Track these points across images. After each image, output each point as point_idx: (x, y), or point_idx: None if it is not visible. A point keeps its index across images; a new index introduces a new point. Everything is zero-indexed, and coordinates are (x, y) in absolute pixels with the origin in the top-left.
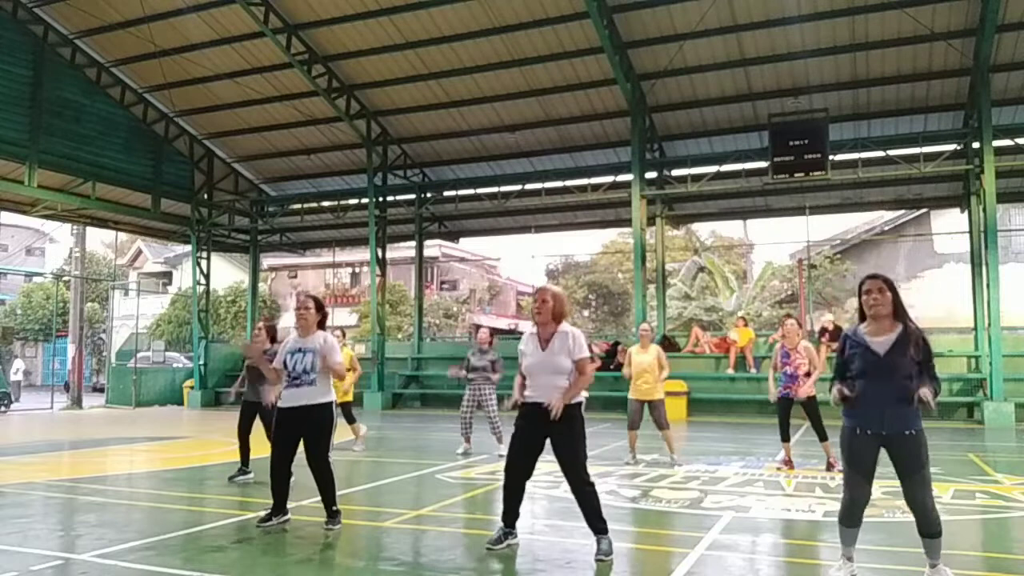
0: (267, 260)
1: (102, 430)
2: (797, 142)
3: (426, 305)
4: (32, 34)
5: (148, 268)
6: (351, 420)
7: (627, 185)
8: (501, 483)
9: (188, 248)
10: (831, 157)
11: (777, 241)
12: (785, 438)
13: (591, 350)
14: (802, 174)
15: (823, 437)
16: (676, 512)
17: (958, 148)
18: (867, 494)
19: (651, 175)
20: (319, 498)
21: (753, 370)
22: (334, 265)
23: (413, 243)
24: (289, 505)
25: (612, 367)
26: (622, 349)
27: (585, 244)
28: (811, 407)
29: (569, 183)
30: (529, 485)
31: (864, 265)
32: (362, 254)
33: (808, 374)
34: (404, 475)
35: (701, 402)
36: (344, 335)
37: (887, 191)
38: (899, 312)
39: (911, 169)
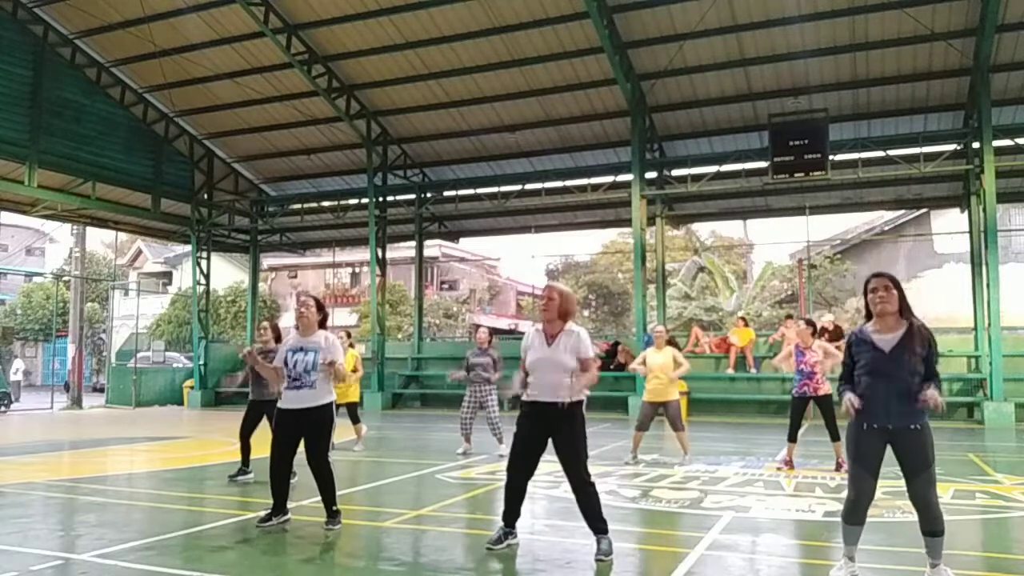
0: (267, 260)
1: (102, 430)
2: (797, 142)
3: (426, 305)
4: (32, 34)
5: (148, 268)
6: (355, 420)
7: (627, 185)
8: (501, 483)
9: (188, 248)
10: (831, 157)
11: (777, 241)
12: (792, 438)
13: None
14: (802, 174)
15: (835, 437)
16: (676, 512)
17: (958, 148)
18: (871, 491)
19: (651, 175)
20: (319, 498)
21: (753, 370)
22: (334, 265)
23: (413, 243)
24: (289, 505)
25: (612, 367)
26: (622, 349)
27: (585, 244)
28: (826, 405)
29: (569, 183)
30: (529, 485)
31: (864, 265)
32: (362, 254)
33: (824, 372)
34: (404, 475)
35: (701, 402)
36: (350, 336)
37: (887, 191)
38: (905, 310)
39: (911, 169)
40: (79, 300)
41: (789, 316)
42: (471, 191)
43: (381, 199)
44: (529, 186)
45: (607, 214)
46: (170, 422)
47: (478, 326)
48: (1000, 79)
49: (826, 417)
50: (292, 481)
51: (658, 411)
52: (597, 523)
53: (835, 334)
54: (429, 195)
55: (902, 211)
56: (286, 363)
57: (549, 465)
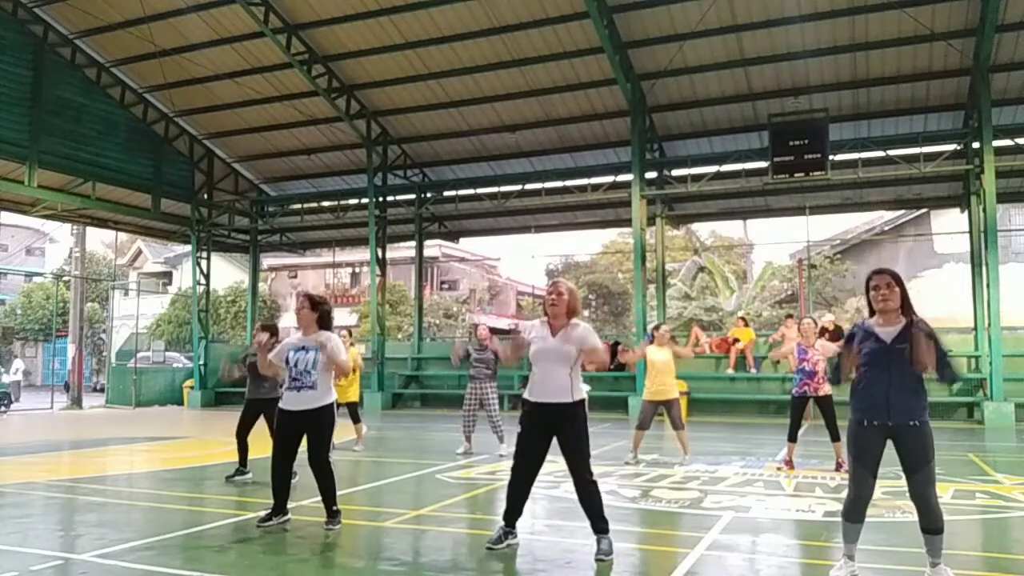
0: (267, 260)
1: (102, 430)
2: (797, 142)
3: (426, 305)
4: (32, 34)
5: (148, 268)
6: (356, 420)
7: (627, 185)
8: (501, 483)
9: (188, 248)
10: (831, 157)
11: (777, 241)
12: (792, 438)
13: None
14: (802, 174)
15: (835, 437)
16: (676, 512)
17: (958, 148)
18: (871, 489)
19: (651, 175)
20: (319, 498)
21: (753, 370)
22: (334, 265)
23: (413, 243)
24: (289, 505)
25: (612, 367)
26: (623, 349)
27: (585, 244)
28: (827, 405)
29: (569, 183)
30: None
31: (864, 265)
32: (362, 254)
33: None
34: (404, 475)
35: (701, 402)
36: (351, 335)
37: (887, 191)
38: (906, 307)
39: (911, 169)
40: (79, 300)
41: (789, 316)
42: (471, 191)
43: (381, 199)
44: (529, 186)
45: (607, 214)
46: (170, 422)
47: (477, 326)
48: (1000, 79)
49: (826, 417)
50: (293, 481)
51: (658, 410)
52: (598, 522)
53: (835, 334)
54: (429, 195)
55: (902, 211)
56: (287, 361)
57: (549, 465)
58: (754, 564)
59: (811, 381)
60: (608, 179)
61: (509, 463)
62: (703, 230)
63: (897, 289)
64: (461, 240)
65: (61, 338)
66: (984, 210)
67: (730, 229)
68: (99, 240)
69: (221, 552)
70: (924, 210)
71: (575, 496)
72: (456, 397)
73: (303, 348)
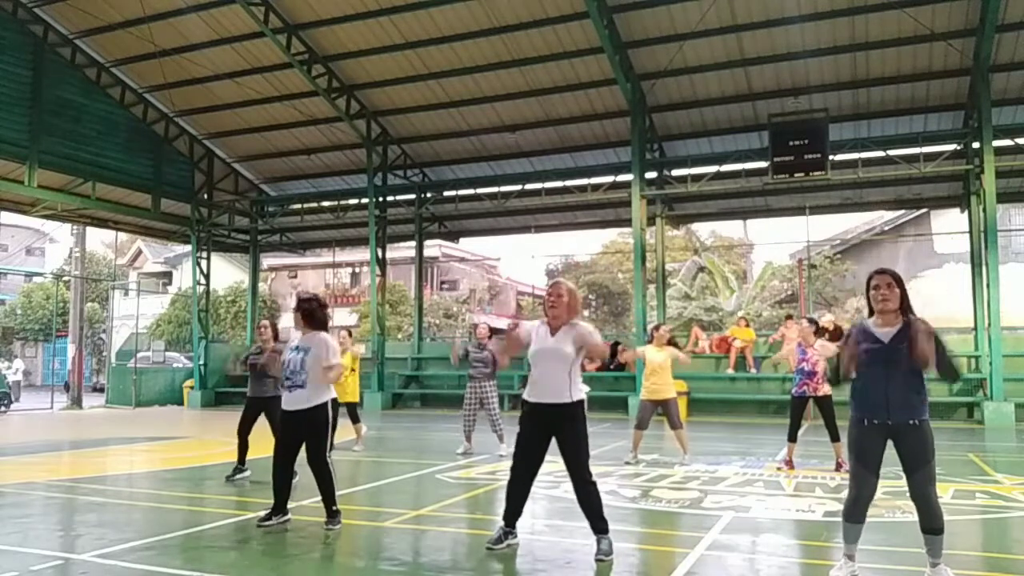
0: (267, 260)
1: (102, 430)
2: (797, 142)
3: (426, 305)
4: (32, 34)
5: (148, 268)
6: (356, 420)
7: (627, 185)
8: (501, 483)
9: (188, 248)
10: (831, 157)
11: (777, 241)
12: (792, 438)
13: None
14: (802, 174)
15: (835, 437)
16: (676, 512)
17: (958, 148)
18: (872, 489)
19: (651, 175)
20: (319, 498)
21: (753, 370)
22: (334, 265)
23: (413, 243)
24: (289, 505)
25: (612, 367)
26: (622, 349)
27: (585, 244)
28: (827, 405)
29: (569, 183)
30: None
31: (864, 265)
32: (362, 254)
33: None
34: (404, 475)
35: (701, 402)
36: (350, 335)
37: (887, 191)
38: (905, 307)
39: (911, 169)
40: (79, 300)
41: (789, 316)
42: (471, 191)
43: (381, 199)
44: (529, 186)
45: (607, 214)
46: (170, 422)
47: (477, 325)
48: (1000, 79)
49: (826, 417)
50: (294, 481)
51: (657, 410)
52: (598, 523)
53: (835, 334)
54: (429, 195)
55: (902, 211)
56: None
57: (549, 465)
58: (754, 564)
59: (811, 381)
60: (608, 179)
61: (509, 463)
62: (703, 230)
63: (897, 289)
64: (461, 240)
65: (61, 338)
66: (984, 210)
67: (730, 229)
68: (99, 240)
69: (221, 552)
70: (924, 210)
71: (575, 496)
72: (456, 397)
73: (297, 348)
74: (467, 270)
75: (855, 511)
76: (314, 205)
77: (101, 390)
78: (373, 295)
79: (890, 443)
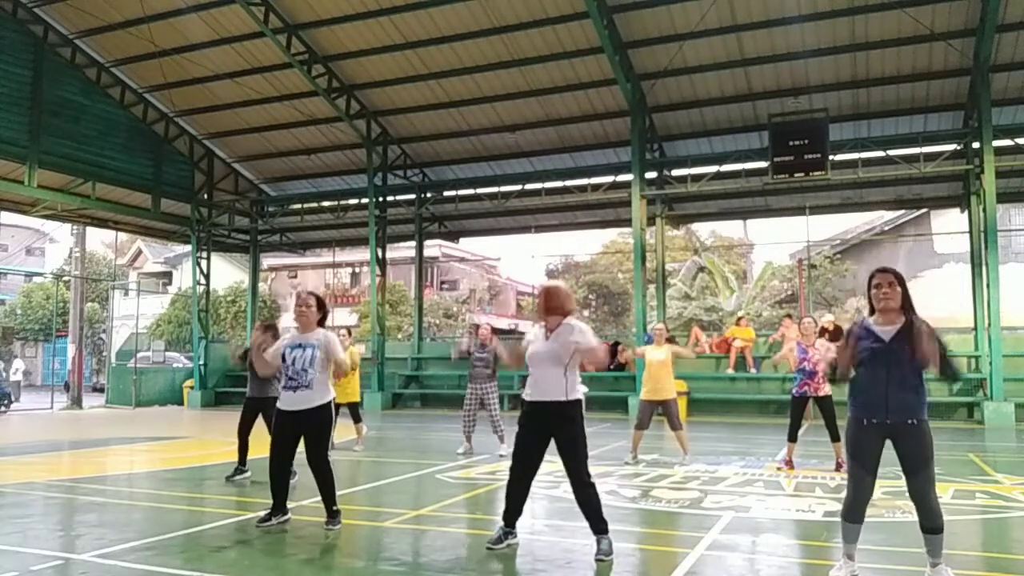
0: (267, 260)
1: (102, 430)
2: (797, 142)
3: (426, 305)
4: (32, 34)
5: (148, 268)
6: (357, 420)
7: (627, 185)
8: (501, 483)
9: (188, 248)
10: (831, 157)
11: (777, 241)
12: (792, 438)
13: (607, 367)
14: (802, 174)
15: (835, 437)
16: (676, 512)
17: (958, 148)
18: (870, 489)
19: (651, 175)
20: (319, 498)
21: (752, 370)
22: (334, 265)
23: (413, 243)
24: (289, 505)
25: (612, 367)
26: (622, 349)
27: (585, 244)
28: (827, 405)
29: (569, 183)
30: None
31: (864, 265)
32: (362, 254)
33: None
34: (404, 475)
35: (701, 402)
36: (350, 334)
37: (887, 191)
38: (906, 306)
39: (911, 169)
40: (79, 300)
41: (788, 316)
42: (471, 191)
43: (381, 199)
44: (529, 186)
45: (607, 214)
46: (170, 422)
47: (477, 326)
48: (1000, 79)
49: (826, 417)
50: (292, 481)
51: (657, 410)
52: (597, 523)
53: (835, 334)
54: (429, 195)
55: (902, 211)
56: (284, 359)
57: (549, 465)
58: (754, 564)
59: (811, 381)
60: (608, 179)
61: (509, 463)
62: (703, 230)
63: (898, 288)
64: (461, 240)
65: (61, 338)
66: (984, 210)
67: (730, 229)
68: (99, 240)
69: (221, 552)
70: (924, 210)
71: (574, 497)
72: (456, 397)
73: (300, 345)
74: (467, 270)
75: (854, 511)
76: (314, 205)
77: (101, 390)
78: (373, 295)
79: (889, 443)
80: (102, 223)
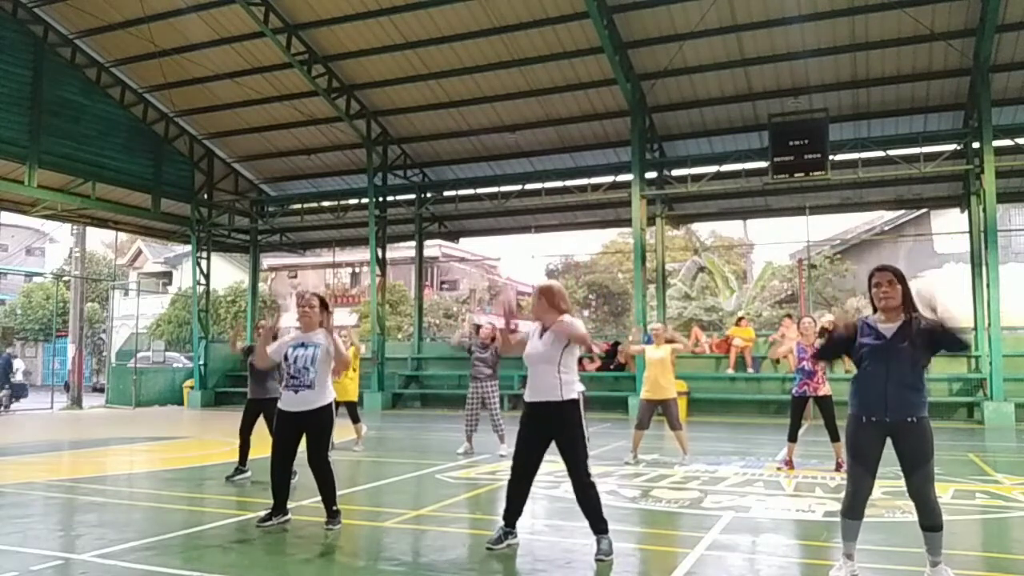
0: (267, 260)
1: (102, 430)
2: (797, 142)
3: (426, 305)
4: (32, 34)
5: (148, 268)
6: (356, 420)
7: (627, 185)
8: (501, 483)
9: (188, 248)
10: (831, 157)
11: (777, 241)
12: (792, 438)
13: (591, 350)
14: (802, 174)
15: (835, 437)
16: (676, 512)
17: (958, 148)
18: (869, 487)
19: (651, 175)
20: (319, 498)
21: (751, 370)
22: (334, 265)
23: (413, 243)
24: (289, 505)
25: (612, 367)
26: (622, 349)
27: (585, 244)
28: (826, 405)
29: (569, 183)
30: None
31: (864, 265)
32: (362, 254)
33: (825, 372)
34: (404, 475)
35: (701, 402)
36: (351, 333)
37: (887, 191)
38: (907, 304)
39: (911, 169)
40: (79, 300)
41: (788, 316)
42: (471, 191)
43: (381, 199)
44: (529, 186)
45: (607, 214)
46: (170, 422)
47: (478, 326)
48: (1000, 79)
49: (826, 417)
50: (292, 481)
51: (656, 410)
52: (597, 523)
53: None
54: (429, 195)
55: (902, 211)
56: (286, 358)
57: (549, 465)
58: (754, 564)
59: (811, 381)
60: (608, 179)
61: (509, 463)
62: (703, 230)
63: (899, 287)
64: (461, 240)
65: (61, 338)
66: (984, 210)
67: (730, 229)
68: (99, 240)
69: (221, 552)
70: (924, 210)
71: (574, 496)
72: (456, 397)
73: (302, 345)
74: (467, 270)
75: (853, 508)
76: (314, 205)
77: (101, 390)
78: (373, 295)
79: (889, 442)
80: (102, 223)
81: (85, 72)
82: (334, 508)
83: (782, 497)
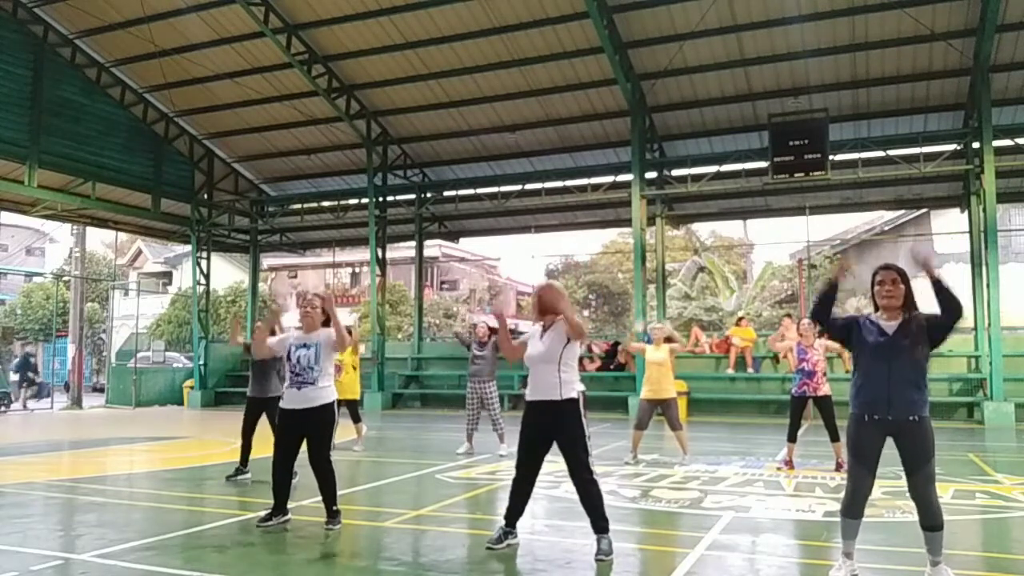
0: (267, 260)
1: (102, 430)
2: (797, 142)
3: (426, 305)
4: (32, 34)
5: (148, 268)
6: (357, 419)
7: (627, 185)
8: (502, 483)
9: (188, 248)
10: (831, 157)
11: (777, 241)
12: (792, 438)
13: (591, 350)
14: (802, 174)
15: (834, 437)
16: (676, 512)
17: (958, 148)
18: (869, 486)
19: (651, 175)
20: (319, 498)
21: (751, 370)
22: (334, 265)
23: (413, 243)
24: (289, 505)
25: (612, 367)
26: (622, 349)
27: (585, 244)
28: (826, 405)
29: (569, 183)
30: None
31: (864, 265)
32: (362, 254)
33: (825, 372)
34: (404, 475)
35: (701, 402)
36: (351, 333)
37: (887, 191)
38: (909, 304)
39: (911, 169)
40: (79, 300)
41: (787, 316)
42: (471, 191)
43: (381, 199)
44: (529, 186)
45: (607, 214)
46: (170, 422)
47: (476, 325)
48: (1000, 79)
49: (826, 417)
50: (293, 481)
51: (656, 410)
52: (599, 521)
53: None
54: (429, 195)
55: (902, 211)
56: (289, 357)
57: (549, 465)
58: (754, 564)
59: (810, 381)
60: (608, 179)
61: (509, 463)
62: (703, 230)
63: (902, 286)
64: (461, 240)
65: (61, 338)
66: (984, 210)
67: (730, 229)
68: (99, 240)
69: (221, 552)
70: (924, 210)
71: (575, 496)
72: (456, 397)
73: (304, 345)
74: (467, 270)
75: (853, 506)
76: (314, 205)
77: (101, 390)
78: (373, 295)
79: (890, 442)
80: (102, 223)
81: (85, 72)
82: (334, 508)
83: (782, 497)
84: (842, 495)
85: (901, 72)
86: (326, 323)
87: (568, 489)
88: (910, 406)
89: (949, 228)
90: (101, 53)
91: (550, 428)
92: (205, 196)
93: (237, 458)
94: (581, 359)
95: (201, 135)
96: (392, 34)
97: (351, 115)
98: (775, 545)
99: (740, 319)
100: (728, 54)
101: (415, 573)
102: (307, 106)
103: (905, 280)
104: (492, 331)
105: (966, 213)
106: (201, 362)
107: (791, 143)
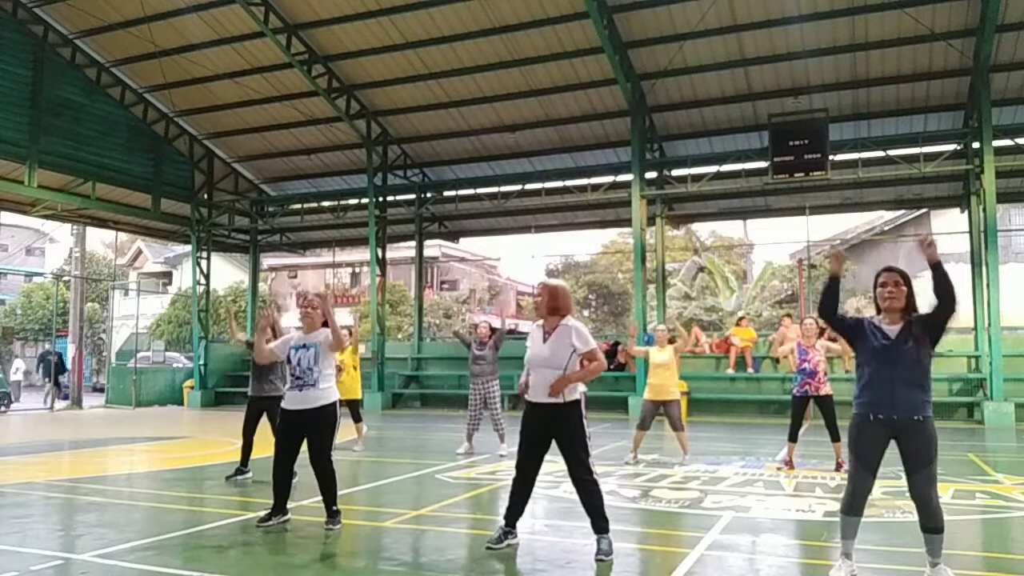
0: (267, 260)
1: (102, 430)
2: (797, 142)
3: (426, 305)
4: (32, 34)
5: (148, 268)
6: (357, 419)
7: (627, 185)
8: (501, 483)
9: (188, 248)
10: (831, 157)
11: (777, 241)
12: (793, 438)
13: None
14: (802, 174)
15: (835, 437)
16: (676, 512)
17: (958, 148)
18: (870, 486)
19: (651, 175)
20: (319, 498)
21: (751, 370)
22: (334, 265)
23: (413, 243)
24: (289, 505)
25: (612, 367)
26: (622, 349)
27: (585, 244)
28: (827, 405)
29: (569, 183)
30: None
31: (864, 265)
32: (362, 254)
33: (826, 372)
34: (404, 475)
35: (701, 402)
36: (352, 333)
37: (887, 191)
38: (910, 306)
39: (911, 169)
40: (79, 300)
41: (788, 316)
42: (471, 191)
43: (381, 199)
44: (529, 186)
45: (607, 214)
46: (170, 422)
47: (477, 325)
48: (1000, 79)
49: (826, 417)
50: (293, 481)
51: (659, 410)
52: (599, 521)
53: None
54: (429, 195)
55: (902, 211)
56: (289, 360)
57: (549, 465)
58: (754, 564)
59: (811, 381)
60: (608, 179)
61: (509, 463)
62: (703, 230)
63: (904, 288)
64: (461, 240)
65: (61, 338)
66: (984, 210)
67: (730, 229)
68: (99, 240)
69: (221, 552)
70: (924, 210)
71: (575, 496)
72: (456, 397)
73: (304, 346)
74: (467, 270)
75: (853, 505)
76: (314, 205)
77: (101, 390)
78: (373, 295)
79: (892, 443)
80: (102, 223)
81: (85, 72)
82: (334, 508)
83: (782, 497)
84: (842, 495)
85: (901, 72)
86: (327, 323)
87: (568, 489)
88: (914, 406)
89: (949, 228)
90: (101, 53)
91: (551, 428)
92: (205, 196)
93: (237, 458)
94: (581, 359)
95: (201, 135)
96: (392, 34)
97: (351, 115)
98: (775, 545)
99: (740, 319)
100: (728, 54)
101: (415, 573)
102: (307, 106)
103: (907, 283)
104: (493, 331)
105: (966, 213)
106: (201, 362)
107: (791, 143)
